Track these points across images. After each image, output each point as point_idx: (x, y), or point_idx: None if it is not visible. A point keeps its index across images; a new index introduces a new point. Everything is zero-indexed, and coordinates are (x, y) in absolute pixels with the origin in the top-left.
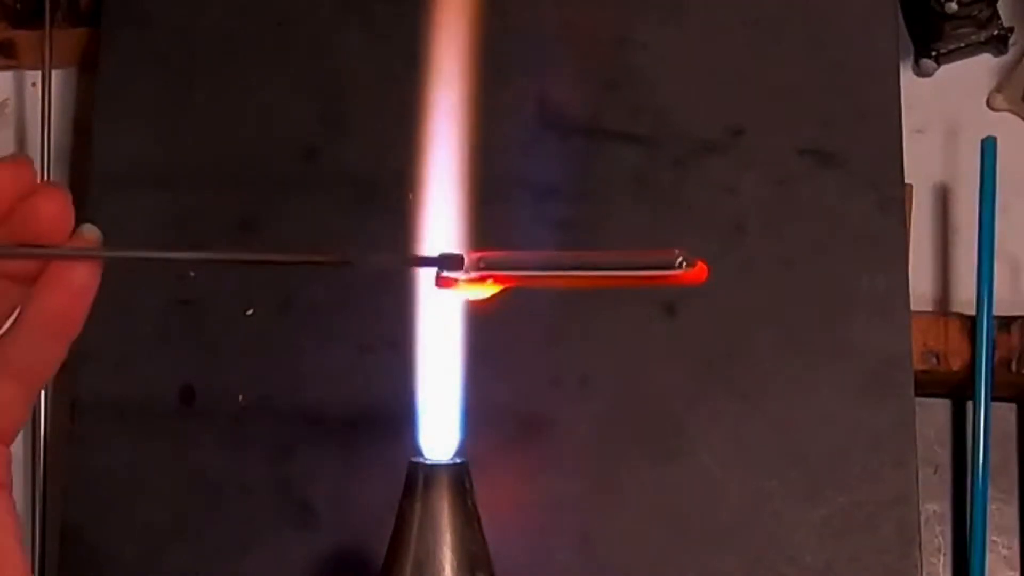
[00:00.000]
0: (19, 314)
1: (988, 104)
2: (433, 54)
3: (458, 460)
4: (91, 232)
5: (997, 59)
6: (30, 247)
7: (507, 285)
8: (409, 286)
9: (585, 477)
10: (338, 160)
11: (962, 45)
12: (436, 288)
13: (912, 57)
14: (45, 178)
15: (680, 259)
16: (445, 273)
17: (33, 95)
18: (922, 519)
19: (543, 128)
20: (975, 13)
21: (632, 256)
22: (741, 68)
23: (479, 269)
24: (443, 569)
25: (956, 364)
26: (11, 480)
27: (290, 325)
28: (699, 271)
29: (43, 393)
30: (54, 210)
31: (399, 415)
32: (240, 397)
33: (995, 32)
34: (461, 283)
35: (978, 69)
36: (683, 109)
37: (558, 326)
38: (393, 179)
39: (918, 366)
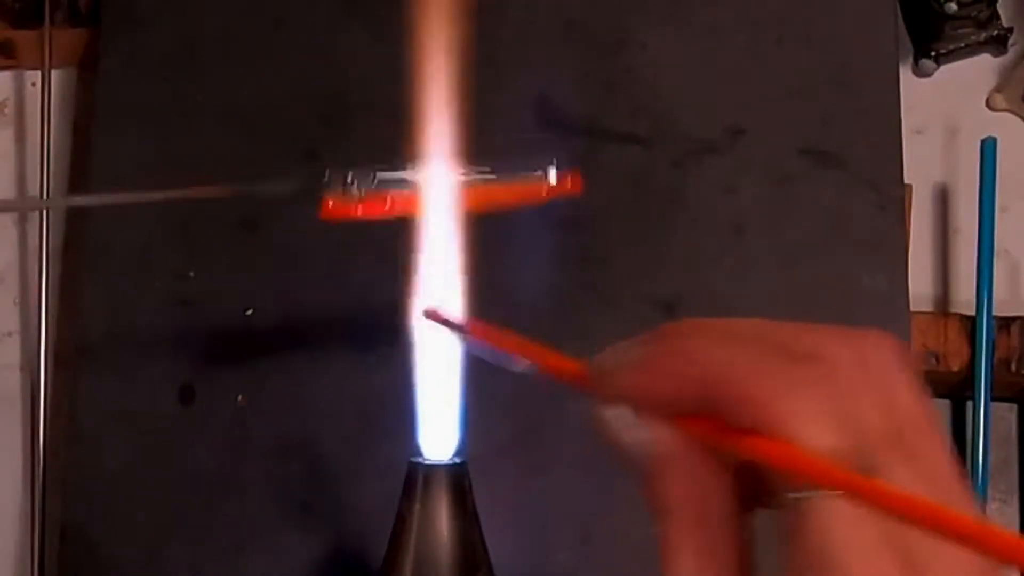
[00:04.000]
0: None
1: (988, 104)
2: (430, 53)
3: (458, 460)
4: None
5: (997, 59)
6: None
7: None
8: (407, 284)
9: (585, 477)
10: (338, 160)
11: (962, 45)
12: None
13: (912, 57)
14: (45, 178)
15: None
16: (332, 203)
17: (33, 95)
18: None
19: (543, 128)
20: (975, 13)
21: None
22: (741, 68)
23: (368, 189)
24: (443, 569)
25: (956, 364)
26: None
27: (290, 325)
28: (572, 183)
29: (43, 392)
30: None
31: (399, 415)
32: (240, 397)
33: (995, 32)
34: (352, 208)
35: (978, 69)
36: (683, 109)
37: (558, 326)
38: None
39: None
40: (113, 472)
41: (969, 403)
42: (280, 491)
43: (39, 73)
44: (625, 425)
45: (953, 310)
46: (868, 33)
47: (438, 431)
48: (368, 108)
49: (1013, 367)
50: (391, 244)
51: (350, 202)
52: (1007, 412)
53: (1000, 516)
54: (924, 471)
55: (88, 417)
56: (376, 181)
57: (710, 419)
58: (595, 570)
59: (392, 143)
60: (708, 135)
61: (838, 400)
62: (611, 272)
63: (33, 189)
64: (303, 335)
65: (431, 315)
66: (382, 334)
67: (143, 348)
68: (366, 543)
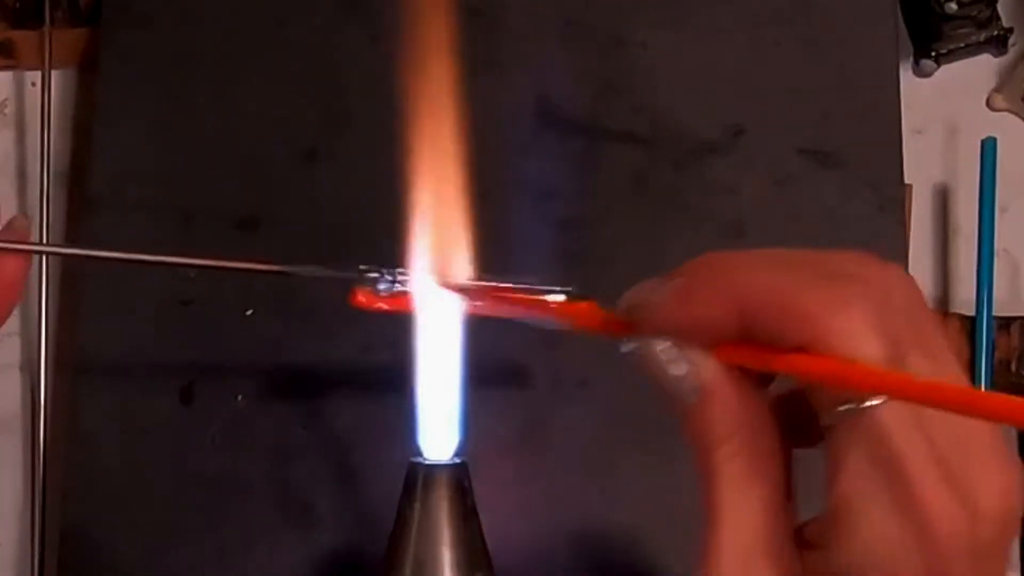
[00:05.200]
0: None
1: (988, 104)
2: (428, 54)
3: (457, 460)
4: (20, 222)
5: (997, 59)
6: None
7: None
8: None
9: (585, 477)
10: (338, 160)
11: (962, 45)
12: (352, 303)
13: (912, 57)
14: (45, 179)
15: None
16: (359, 287)
17: (33, 95)
18: None
19: (543, 128)
20: (975, 13)
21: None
22: (741, 68)
23: (395, 285)
24: (443, 569)
25: None
26: None
27: (290, 325)
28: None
29: (43, 393)
30: None
31: (399, 415)
32: (240, 397)
33: (995, 32)
34: (378, 299)
35: (978, 69)
36: (683, 109)
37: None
38: (393, 179)
39: None
40: (113, 472)
41: None
42: (281, 491)
43: (39, 73)
44: (668, 359)
45: (953, 310)
46: (868, 33)
47: (438, 431)
48: (368, 108)
49: (1013, 367)
50: (390, 245)
51: (377, 296)
52: None
53: None
54: (941, 365)
55: (88, 417)
56: (399, 282)
57: (752, 345)
58: (595, 570)
59: (392, 143)
60: (708, 135)
61: (878, 313)
62: (611, 272)
63: (33, 189)
64: (303, 335)
65: (441, 283)
66: (382, 334)
67: (143, 348)
68: (366, 543)
